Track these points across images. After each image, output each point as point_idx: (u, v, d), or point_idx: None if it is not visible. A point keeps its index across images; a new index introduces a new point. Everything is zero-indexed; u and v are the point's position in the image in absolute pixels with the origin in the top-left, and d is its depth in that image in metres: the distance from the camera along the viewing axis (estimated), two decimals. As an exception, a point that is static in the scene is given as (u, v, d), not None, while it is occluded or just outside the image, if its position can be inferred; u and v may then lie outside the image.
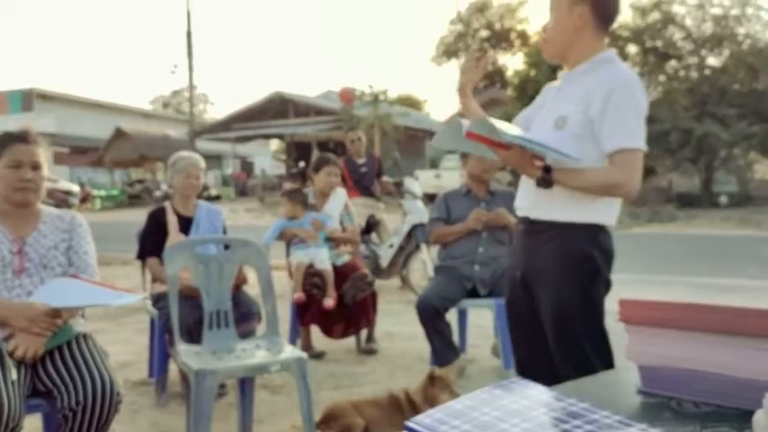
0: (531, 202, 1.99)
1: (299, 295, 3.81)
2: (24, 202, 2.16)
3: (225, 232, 3.49)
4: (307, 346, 3.93)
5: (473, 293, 3.51)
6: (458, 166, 4.21)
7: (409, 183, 6.26)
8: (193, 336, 2.74)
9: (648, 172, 19.69)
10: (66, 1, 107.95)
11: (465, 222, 3.55)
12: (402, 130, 22.82)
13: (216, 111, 62.32)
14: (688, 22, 21.77)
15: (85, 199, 23.32)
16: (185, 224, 3.37)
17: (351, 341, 4.13)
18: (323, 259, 3.94)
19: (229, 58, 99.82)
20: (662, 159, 20.01)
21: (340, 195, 4.28)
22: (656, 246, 10.77)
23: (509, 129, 1.76)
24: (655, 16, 21.76)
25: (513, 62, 47.01)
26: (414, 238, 5.89)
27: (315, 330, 4.01)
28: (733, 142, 19.05)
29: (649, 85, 21.37)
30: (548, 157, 1.84)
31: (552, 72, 17.65)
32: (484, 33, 33.25)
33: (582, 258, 1.90)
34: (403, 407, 2.53)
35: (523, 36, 32.58)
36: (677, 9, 21.80)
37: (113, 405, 1.91)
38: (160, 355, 3.17)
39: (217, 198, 22.95)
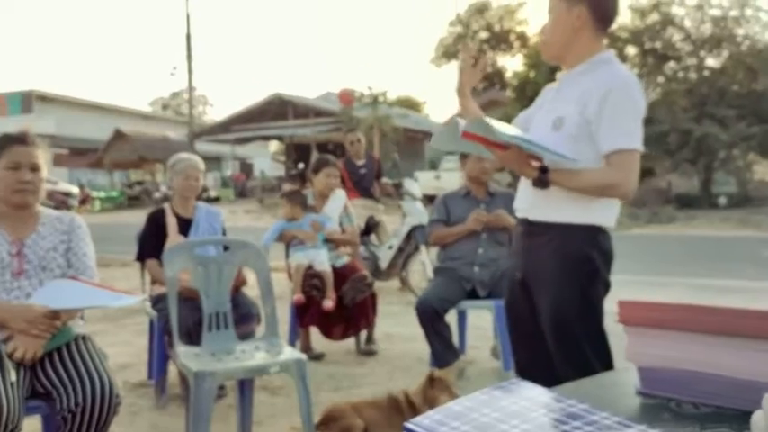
0: (531, 204, 1.99)
1: (299, 297, 3.81)
2: (23, 204, 2.16)
3: (224, 234, 3.49)
4: (306, 348, 3.92)
5: (472, 295, 3.51)
6: (457, 168, 4.22)
7: (408, 184, 6.26)
8: (193, 337, 2.73)
9: (647, 173, 19.72)
10: (65, 3, 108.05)
11: (464, 224, 3.56)
12: (401, 131, 22.81)
13: (215, 112, 62.44)
14: (687, 23, 21.77)
15: (85, 200, 23.32)
16: (184, 226, 3.37)
17: (350, 342, 4.13)
18: (322, 261, 3.94)
19: (229, 59, 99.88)
20: (661, 160, 20.01)
21: (339, 197, 4.28)
22: (656, 247, 10.77)
23: (506, 129, 1.76)
24: (654, 17, 21.75)
25: (512, 64, 46.92)
26: (413, 239, 5.89)
27: (314, 332, 4.01)
28: (732, 143, 19.05)
29: (648, 86, 21.36)
30: (545, 158, 1.85)
31: (551, 73, 17.63)
32: (483, 35, 33.27)
33: (581, 260, 1.90)
34: (402, 408, 2.52)
35: (523, 37, 32.61)
36: (676, 10, 21.80)
37: (112, 407, 1.91)
38: (159, 356, 3.17)
39: (216, 199, 22.94)
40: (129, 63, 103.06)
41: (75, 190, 22.37)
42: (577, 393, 0.83)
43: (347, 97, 23.14)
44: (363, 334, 4.11)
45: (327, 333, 3.96)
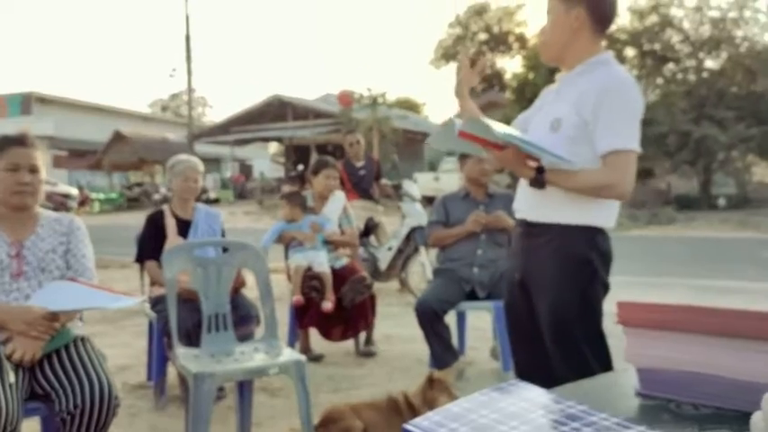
0: (530, 205, 1.99)
1: (298, 298, 3.81)
2: (22, 206, 2.16)
3: (223, 235, 3.48)
4: (305, 349, 3.92)
5: (472, 296, 3.51)
6: (456, 169, 4.22)
7: (408, 185, 6.26)
8: (192, 339, 2.73)
9: (647, 174, 19.73)
10: (64, 4, 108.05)
11: (464, 225, 3.56)
12: (401, 132, 22.81)
13: (214, 114, 62.47)
14: (686, 25, 21.78)
15: (84, 202, 23.32)
16: (184, 227, 3.36)
17: (349, 344, 4.13)
18: (321, 262, 3.94)
19: (228, 61, 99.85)
20: (660, 162, 20.01)
21: (339, 198, 4.28)
22: (655, 248, 10.77)
23: (503, 129, 1.76)
24: (652, 19, 21.77)
25: (511, 65, 47.16)
26: (412, 240, 5.89)
27: (313, 333, 4.01)
28: (731, 145, 19.05)
29: (647, 87, 21.39)
30: (543, 159, 1.85)
31: (551, 75, 17.63)
32: (482, 36, 33.33)
33: (580, 261, 1.90)
34: (402, 410, 2.52)
35: (522, 39, 32.65)
36: (675, 12, 21.82)
37: (111, 408, 1.91)
38: (159, 358, 3.17)
39: (215, 201, 22.92)
40: (129, 64, 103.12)
41: (74, 191, 22.36)
42: (576, 394, 0.83)
43: (346, 99, 23.14)
44: (362, 335, 4.11)
45: (326, 334, 3.96)
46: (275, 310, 2.73)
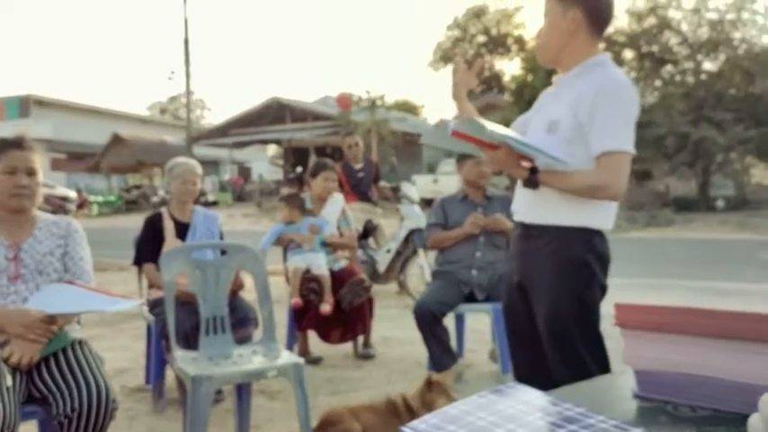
0: (527, 207, 1.99)
1: (296, 300, 3.81)
2: (20, 209, 2.15)
3: (222, 238, 3.48)
4: (304, 352, 3.92)
5: (470, 298, 3.51)
6: (455, 171, 4.24)
7: (406, 188, 6.26)
8: (190, 342, 2.73)
9: (645, 176, 19.78)
10: (63, 7, 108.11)
11: (462, 227, 3.56)
12: (399, 135, 22.81)
13: (213, 116, 62.42)
14: (684, 26, 21.82)
15: (82, 205, 23.31)
16: (182, 230, 3.36)
17: (348, 346, 4.13)
18: (320, 264, 3.94)
19: (226, 63, 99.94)
20: (659, 164, 20.05)
21: (337, 200, 4.28)
22: (654, 250, 10.78)
23: (496, 128, 1.76)
24: (650, 21, 21.81)
25: (509, 67, 47.25)
26: (411, 242, 5.89)
27: (312, 335, 4.00)
28: (729, 146, 19.09)
29: (645, 89, 21.42)
30: (537, 160, 1.85)
31: (549, 77, 17.56)
32: (481, 39, 33.41)
33: (577, 263, 1.89)
34: (400, 412, 2.52)
35: (520, 41, 32.73)
36: (673, 14, 21.86)
37: (109, 412, 1.91)
38: (157, 361, 3.16)
39: (214, 203, 22.91)
40: (127, 67, 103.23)
41: (72, 194, 22.35)
42: (574, 397, 0.83)
43: (345, 101, 23.16)
44: (361, 338, 4.11)
45: (325, 337, 3.96)
46: (273, 313, 2.73)
